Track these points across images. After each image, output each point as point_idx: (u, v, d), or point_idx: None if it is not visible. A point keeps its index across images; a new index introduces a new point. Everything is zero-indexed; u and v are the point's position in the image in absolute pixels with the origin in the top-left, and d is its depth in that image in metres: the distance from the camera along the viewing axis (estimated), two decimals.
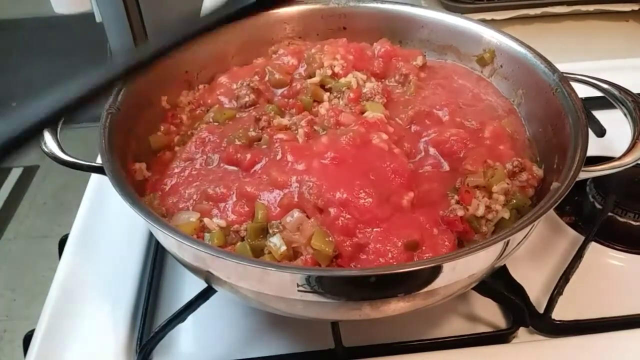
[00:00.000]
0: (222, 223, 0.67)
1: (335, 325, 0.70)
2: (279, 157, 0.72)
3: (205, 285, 0.70)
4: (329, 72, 0.85)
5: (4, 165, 0.42)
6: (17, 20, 4.09)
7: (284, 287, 0.58)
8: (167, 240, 0.63)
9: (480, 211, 0.67)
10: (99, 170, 0.67)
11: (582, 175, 0.65)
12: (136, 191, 0.66)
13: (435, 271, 0.57)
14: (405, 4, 0.97)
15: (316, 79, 0.85)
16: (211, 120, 0.84)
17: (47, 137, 0.70)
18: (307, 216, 0.66)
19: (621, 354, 0.70)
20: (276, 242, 0.64)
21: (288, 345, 0.72)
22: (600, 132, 0.96)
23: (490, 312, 0.75)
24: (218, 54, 0.94)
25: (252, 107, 0.84)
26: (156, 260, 0.83)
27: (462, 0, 1.36)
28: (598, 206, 0.85)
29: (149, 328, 0.75)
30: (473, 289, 0.70)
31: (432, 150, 0.77)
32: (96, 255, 0.84)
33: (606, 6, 1.38)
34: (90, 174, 0.89)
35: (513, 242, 0.62)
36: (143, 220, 0.60)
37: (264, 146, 0.74)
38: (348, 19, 0.98)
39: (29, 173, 3.00)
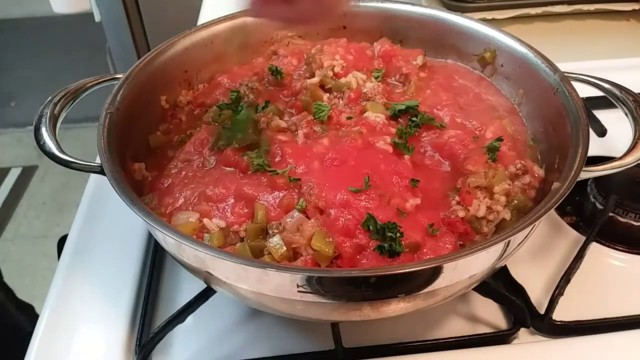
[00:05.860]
0: (222, 224, 0.67)
1: (335, 326, 0.70)
2: (278, 158, 0.71)
3: (204, 286, 0.70)
4: (330, 73, 0.85)
5: None
6: (16, 20, 4.09)
7: (283, 287, 0.57)
8: (166, 240, 0.63)
9: (481, 212, 0.67)
10: (98, 170, 0.67)
11: (583, 175, 0.64)
12: (135, 191, 0.65)
13: (436, 272, 0.57)
14: (406, 3, 0.97)
15: (316, 79, 0.85)
16: (210, 120, 0.84)
17: (46, 137, 0.70)
18: (307, 217, 0.65)
19: (622, 355, 0.70)
20: (276, 243, 0.63)
21: (288, 346, 0.72)
22: (601, 131, 0.96)
23: (490, 313, 0.75)
24: (218, 53, 0.93)
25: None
26: (155, 261, 0.82)
27: None
28: (599, 206, 0.85)
29: (148, 329, 0.75)
30: (474, 289, 0.69)
31: (432, 151, 0.76)
32: (95, 256, 0.84)
33: (607, 5, 1.38)
34: (89, 174, 0.88)
35: (514, 243, 0.62)
36: (142, 220, 0.60)
37: (263, 148, 0.74)
38: (348, 18, 0.98)
39: (27, 173, 3.00)
